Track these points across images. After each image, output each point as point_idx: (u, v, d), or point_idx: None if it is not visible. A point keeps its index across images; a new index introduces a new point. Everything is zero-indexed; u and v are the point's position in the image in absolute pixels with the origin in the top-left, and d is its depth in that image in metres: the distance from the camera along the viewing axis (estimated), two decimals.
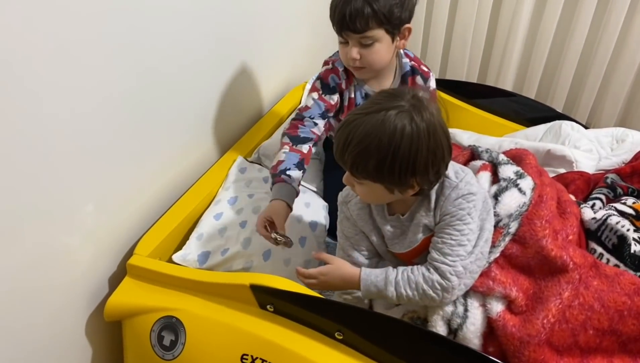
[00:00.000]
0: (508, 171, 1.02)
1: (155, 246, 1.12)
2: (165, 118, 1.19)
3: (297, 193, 1.16)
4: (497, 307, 0.93)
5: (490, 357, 0.86)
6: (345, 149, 0.87)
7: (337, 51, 1.27)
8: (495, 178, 1.03)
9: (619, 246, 1.02)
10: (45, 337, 1.01)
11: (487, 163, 1.06)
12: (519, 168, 1.04)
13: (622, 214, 1.14)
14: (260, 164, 1.41)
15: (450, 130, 1.55)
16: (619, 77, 2.01)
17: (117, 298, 1.06)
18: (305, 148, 1.21)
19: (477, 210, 0.92)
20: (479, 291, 0.94)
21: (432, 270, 0.91)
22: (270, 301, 0.98)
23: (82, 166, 0.99)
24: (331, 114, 1.28)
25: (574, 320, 0.90)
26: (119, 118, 1.05)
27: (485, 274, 0.94)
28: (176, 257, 1.13)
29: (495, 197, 0.98)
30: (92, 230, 1.06)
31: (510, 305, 0.94)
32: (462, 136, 1.53)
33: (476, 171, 1.04)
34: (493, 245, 0.94)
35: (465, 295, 0.94)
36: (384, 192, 0.91)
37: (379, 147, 0.84)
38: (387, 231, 1.00)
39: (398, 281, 0.93)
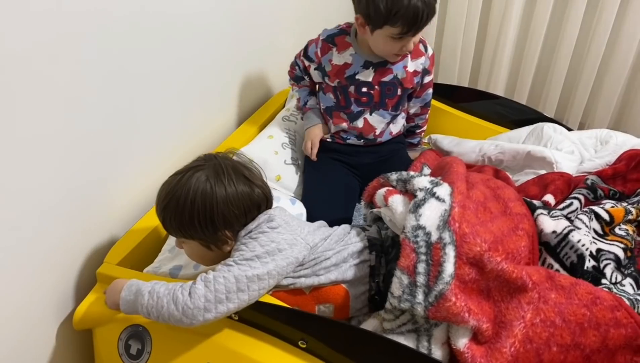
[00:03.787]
0: (423, 181, 0.99)
1: (125, 255, 1.12)
2: (140, 124, 1.19)
3: (320, 111, 1.44)
4: (462, 340, 0.88)
5: None
6: (157, 207, 0.98)
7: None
8: (410, 195, 0.99)
9: (577, 265, 1.00)
10: (14, 347, 1.01)
11: (391, 188, 1.04)
12: (432, 177, 1.00)
13: (597, 217, 1.12)
14: None
15: (432, 136, 1.56)
16: (611, 78, 1.98)
17: (86, 306, 1.06)
18: (306, 81, 1.45)
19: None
20: (451, 321, 0.89)
21: None
22: None
23: (49, 170, 0.99)
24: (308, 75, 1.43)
25: (537, 338, 0.87)
26: (92, 124, 1.06)
27: (459, 307, 0.87)
28: (147, 271, 1.12)
29: (415, 211, 0.93)
30: (62, 237, 1.06)
31: (475, 335, 0.89)
32: (443, 141, 1.52)
33: (383, 200, 1.02)
34: (439, 264, 0.89)
35: (429, 338, 0.91)
36: (202, 249, 0.99)
37: (177, 204, 0.94)
38: None
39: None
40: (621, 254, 1.08)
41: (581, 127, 2.13)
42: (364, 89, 1.33)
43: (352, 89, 1.33)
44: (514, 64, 2.13)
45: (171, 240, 1.16)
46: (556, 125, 1.46)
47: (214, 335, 0.98)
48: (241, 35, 1.50)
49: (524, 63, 2.08)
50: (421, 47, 1.35)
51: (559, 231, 1.02)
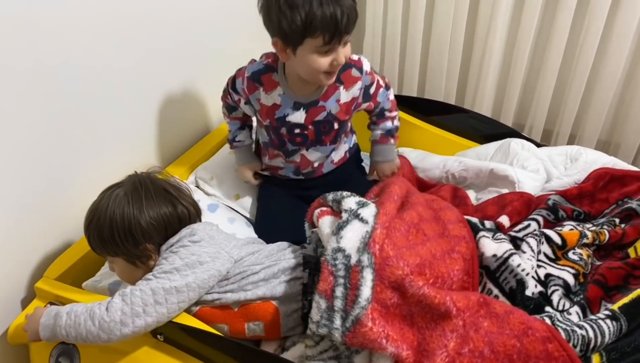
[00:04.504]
0: (350, 202, 0.96)
1: (64, 270, 1.12)
2: (87, 140, 1.19)
3: (251, 146, 1.36)
4: None
5: None
6: (84, 227, 1.00)
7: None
8: (339, 216, 0.96)
9: (516, 291, 0.95)
10: None
11: (325, 208, 1.01)
12: (361, 198, 0.98)
13: (548, 240, 1.07)
14: (198, 188, 1.39)
15: (398, 149, 1.52)
16: (601, 90, 1.91)
17: (20, 321, 1.06)
18: (238, 112, 1.31)
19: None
20: (369, 348, 0.86)
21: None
22: (160, 330, 0.96)
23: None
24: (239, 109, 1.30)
25: None
26: (38, 137, 1.06)
27: (376, 333, 0.83)
28: (86, 285, 1.12)
29: (337, 234, 0.89)
30: (8, 243, 1.07)
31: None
32: (409, 155, 1.48)
33: (316, 221, 1.00)
34: (356, 287, 0.85)
35: None
36: (129, 266, 1.00)
37: (98, 221, 0.97)
38: None
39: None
40: (571, 280, 1.03)
41: (571, 140, 2.06)
42: (297, 131, 1.22)
43: (284, 130, 1.22)
44: (501, 76, 2.07)
45: None
46: (524, 141, 1.41)
47: (141, 355, 0.97)
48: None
49: (511, 76, 2.02)
50: (354, 72, 1.20)
51: (499, 254, 0.98)
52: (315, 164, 1.30)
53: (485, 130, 1.54)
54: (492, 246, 0.99)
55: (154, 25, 1.30)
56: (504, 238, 1.03)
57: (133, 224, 0.96)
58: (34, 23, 1.00)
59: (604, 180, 1.28)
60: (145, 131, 1.37)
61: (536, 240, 1.05)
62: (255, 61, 1.24)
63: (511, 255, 0.97)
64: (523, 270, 0.96)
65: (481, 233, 1.02)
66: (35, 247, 1.14)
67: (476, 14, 2.00)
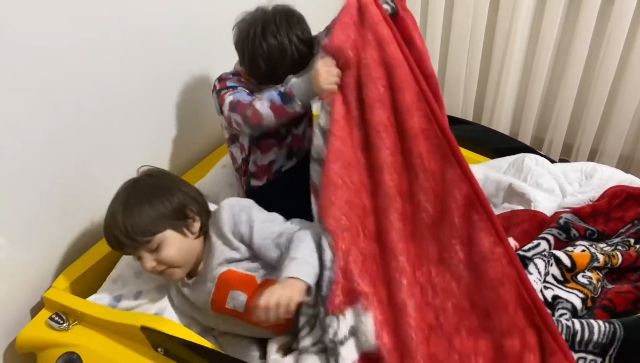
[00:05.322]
0: None
1: (72, 281, 1.13)
2: (97, 154, 1.21)
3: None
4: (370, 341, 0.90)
5: None
6: (117, 217, 0.98)
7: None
8: None
9: None
10: None
11: None
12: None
13: (558, 262, 1.05)
14: None
15: None
16: (622, 105, 1.86)
17: (30, 330, 1.08)
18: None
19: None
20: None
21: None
22: (160, 344, 0.97)
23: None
24: None
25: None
26: (49, 150, 1.09)
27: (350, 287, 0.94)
28: (90, 300, 1.13)
29: None
30: (8, 261, 1.09)
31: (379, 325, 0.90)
32: None
33: None
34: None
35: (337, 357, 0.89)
36: (178, 237, 1.01)
37: (146, 196, 1.00)
38: (189, 294, 1.06)
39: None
40: (579, 304, 1.00)
41: (592, 154, 2.01)
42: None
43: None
44: (520, 89, 2.04)
45: (117, 269, 1.16)
46: (538, 157, 1.38)
47: None
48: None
49: (531, 88, 1.98)
50: None
51: None
52: (306, 142, 1.29)
53: (494, 144, 1.51)
54: None
55: (161, 47, 1.32)
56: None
57: (174, 188, 1.04)
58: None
59: (619, 198, 1.24)
60: (151, 151, 1.38)
61: (544, 261, 1.02)
62: None
63: None
64: None
65: None
66: (45, 258, 1.16)
67: (494, 26, 1.98)
